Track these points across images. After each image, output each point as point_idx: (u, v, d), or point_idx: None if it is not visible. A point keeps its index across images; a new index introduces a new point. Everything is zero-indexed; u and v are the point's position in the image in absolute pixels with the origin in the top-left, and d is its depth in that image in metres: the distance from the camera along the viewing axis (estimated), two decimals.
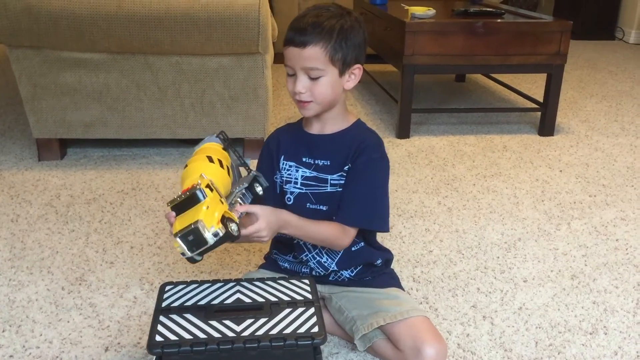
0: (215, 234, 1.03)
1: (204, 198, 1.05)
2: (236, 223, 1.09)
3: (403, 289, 1.42)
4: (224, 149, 1.25)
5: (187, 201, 1.06)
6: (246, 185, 1.23)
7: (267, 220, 1.16)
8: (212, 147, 1.23)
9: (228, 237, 1.06)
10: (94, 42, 2.18)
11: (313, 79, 1.21)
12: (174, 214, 1.08)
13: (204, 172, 1.11)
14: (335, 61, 1.21)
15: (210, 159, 1.16)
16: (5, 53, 2.32)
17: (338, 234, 1.27)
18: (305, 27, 1.19)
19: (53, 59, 2.25)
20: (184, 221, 1.05)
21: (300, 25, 1.20)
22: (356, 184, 1.28)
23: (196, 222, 1.02)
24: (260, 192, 1.25)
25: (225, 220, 1.06)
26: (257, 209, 1.16)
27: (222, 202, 1.09)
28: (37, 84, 2.29)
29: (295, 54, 1.20)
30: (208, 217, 1.04)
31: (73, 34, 2.14)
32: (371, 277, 1.39)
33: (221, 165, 1.17)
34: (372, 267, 1.40)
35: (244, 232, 1.12)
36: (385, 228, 1.32)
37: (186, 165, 1.17)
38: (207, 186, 1.07)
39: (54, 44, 2.20)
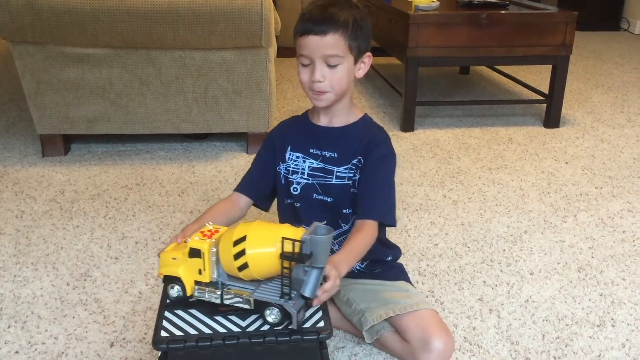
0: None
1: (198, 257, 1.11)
2: (178, 286, 1.13)
3: (412, 284, 1.42)
4: (288, 257, 1.04)
5: (193, 252, 1.11)
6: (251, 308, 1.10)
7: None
8: (266, 258, 1.07)
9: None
10: (97, 37, 2.17)
11: (331, 68, 1.23)
12: (188, 240, 1.12)
13: (225, 264, 1.10)
14: (352, 49, 1.24)
15: (242, 265, 1.08)
16: (9, 49, 2.32)
17: (372, 238, 1.26)
18: (324, 16, 1.21)
19: (56, 55, 2.24)
20: (168, 260, 1.13)
21: (319, 15, 1.21)
22: (372, 180, 1.29)
23: (174, 278, 1.12)
24: (270, 320, 1.07)
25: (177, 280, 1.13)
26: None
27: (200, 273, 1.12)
28: (40, 80, 2.28)
29: (316, 42, 1.20)
30: (186, 276, 1.12)
31: (76, 29, 2.14)
32: (381, 270, 1.40)
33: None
34: (382, 262, 1.41)
35: (327, 286, 1.07)
36: (394, 222, 1.33)
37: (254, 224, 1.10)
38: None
39: (57, 39, 2.19)
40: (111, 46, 2.23)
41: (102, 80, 2.30)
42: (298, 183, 1.35)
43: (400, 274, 1.42)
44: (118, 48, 2.24)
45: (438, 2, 2.85)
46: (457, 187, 2.20)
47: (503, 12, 2.80)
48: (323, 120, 1.34)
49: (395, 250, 1.46)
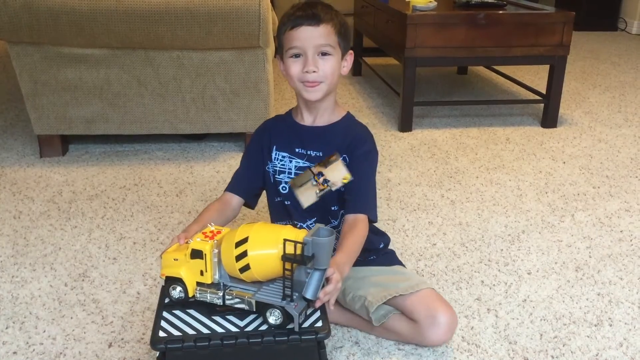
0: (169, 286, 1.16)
1: (200, 258, 1.12)
2: (180, 287, 1.15)
3: (405, 267, 1.47)
4: (294, 259, 1.04)
5: (195, 253, 1.11)
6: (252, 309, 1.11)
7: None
8: (268, 261, 1.08)
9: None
10: (94, 37, 2.17)
11: (323, 59, 1.26)
12: (190, 241, 1.14)
13: (228, 265, 1.11)
14: (340, 44, 1.29)
15: (244, 268, 1.09)
16: (6, 49, 2.32)
17: (365, 232, 1.29)
18: (315, 10, 1.25)
19: (53, 55, 2.24)
20: (170, 261, 1.15)
21: (310, 10, 1.25)
22: (358, 175, 1.32)
23: (176, 279, 1.14)
24: (271, 322, 1.08)
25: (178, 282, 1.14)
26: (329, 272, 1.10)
27: (202, 275, 1.13)
28: (37, 81, 2.28)
29: (309, 32, 1.24)
30: (188, 277, 1.13)
31: (73, 29, 2.13)
32: (375, 257, 1.44)
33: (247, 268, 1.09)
34: (375, 250, 1.45)
35: (328, 288, 1.08)
36: (377, 218, 1.35)
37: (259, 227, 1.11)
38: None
39: (54, 39, 2.19)
40: (109, 46, 2.23)
41: (99, 80, 2.30)
42: (286, 182, 1.37)
43: (394, 259, 1.48)
44: (116, 48, 2.24)
45: (435, 3, 2.86)
46: (454, 187, 2.20)
47: (500, 12, 2.81)
48: (307, 120, 1.37)
49: (385, 237, 1.50)
